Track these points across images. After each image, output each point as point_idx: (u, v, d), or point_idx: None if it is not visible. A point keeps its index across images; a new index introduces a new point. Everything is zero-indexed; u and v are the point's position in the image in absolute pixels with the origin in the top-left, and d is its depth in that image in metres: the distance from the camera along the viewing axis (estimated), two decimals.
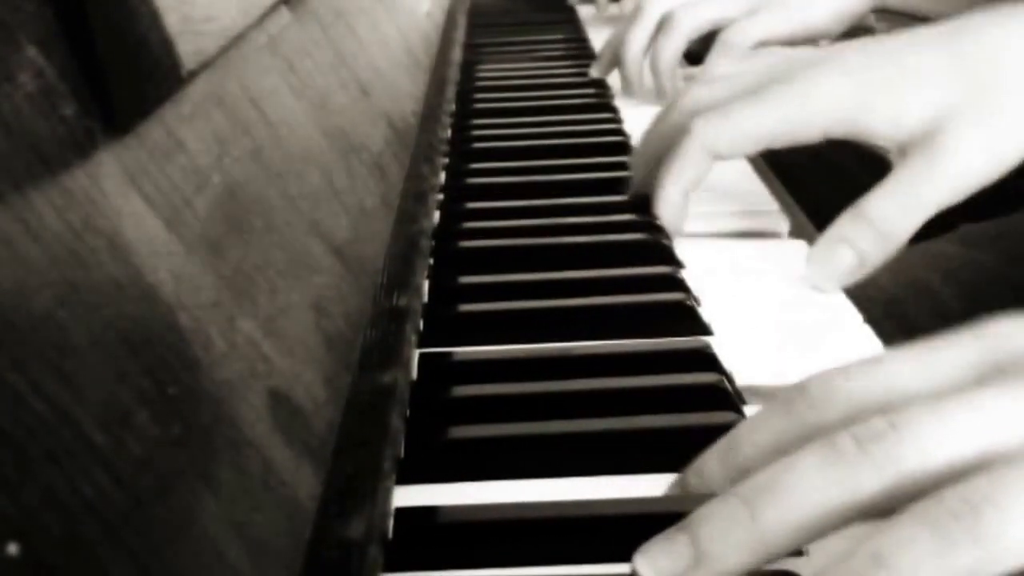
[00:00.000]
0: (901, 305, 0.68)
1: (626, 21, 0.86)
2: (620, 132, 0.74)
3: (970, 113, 0.46)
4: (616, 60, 0.87)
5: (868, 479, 0.28)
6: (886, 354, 0.33)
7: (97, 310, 0.23)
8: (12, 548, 0.18)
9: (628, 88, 0.86)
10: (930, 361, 0.31)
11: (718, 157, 0.51)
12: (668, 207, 0.53)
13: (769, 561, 0.28)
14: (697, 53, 0.85)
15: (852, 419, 0.29)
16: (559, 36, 1.06)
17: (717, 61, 0.72)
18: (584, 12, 1.22)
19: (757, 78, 0.51)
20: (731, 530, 0.28)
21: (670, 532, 0.29)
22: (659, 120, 0.57)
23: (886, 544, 0.26)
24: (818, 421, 0.31)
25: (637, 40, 0.84)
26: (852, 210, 0.48)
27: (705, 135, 0.51)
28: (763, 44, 0.79)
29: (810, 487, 0.28)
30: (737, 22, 0.80)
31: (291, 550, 0.26)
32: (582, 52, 1.00)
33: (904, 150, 0.47)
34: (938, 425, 0.28)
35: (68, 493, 0.20)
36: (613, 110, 0.80)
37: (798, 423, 0.31)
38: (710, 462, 0.33)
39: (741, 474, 0.30)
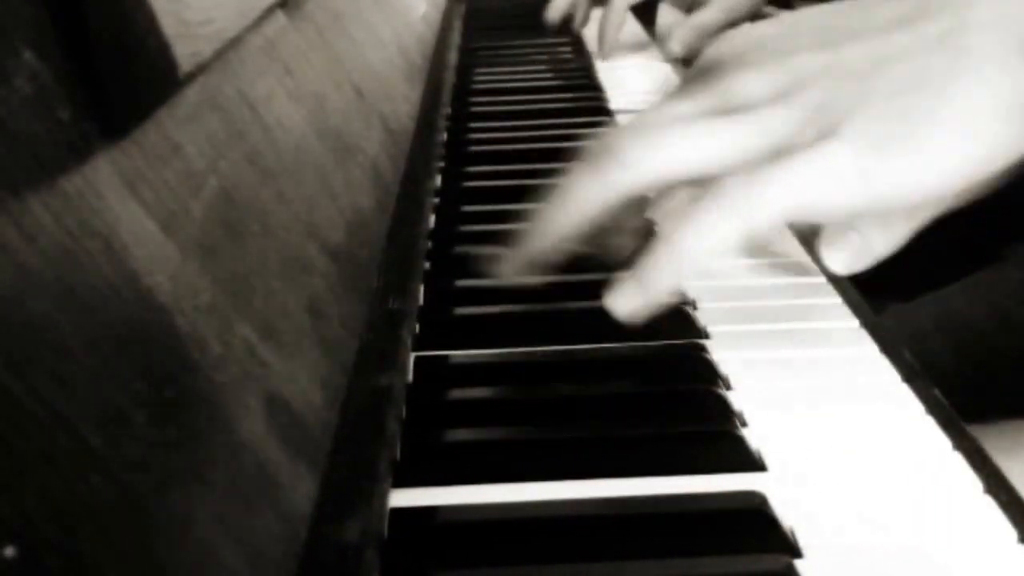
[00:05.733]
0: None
1: None
2: None
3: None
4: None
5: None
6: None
7: (93, 313, 0.23)
8: (9, 550, 0.18)
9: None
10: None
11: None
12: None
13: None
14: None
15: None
16: (554, 40, 1.06)
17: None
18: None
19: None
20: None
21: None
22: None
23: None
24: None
25: None
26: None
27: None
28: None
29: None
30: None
31: (287, 552, 0.26)
32: (578, 55, 1.00)
33: None
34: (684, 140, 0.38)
35: (64, 495, 0.20)
36: (608, 114, 0.80)
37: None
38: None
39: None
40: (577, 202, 0.40)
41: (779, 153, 0.36)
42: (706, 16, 0.97)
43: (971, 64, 0.35)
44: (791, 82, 0.38)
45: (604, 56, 0.99)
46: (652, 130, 0.39)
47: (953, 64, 0.35)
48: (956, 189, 0.36)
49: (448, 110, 0.82)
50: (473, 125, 0.78)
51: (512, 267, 0.43)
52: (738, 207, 0.36)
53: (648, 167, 0.38)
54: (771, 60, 0.39)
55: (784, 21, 0.42)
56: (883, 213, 0.39)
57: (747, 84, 0.39)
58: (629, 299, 0.39)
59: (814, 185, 0.35)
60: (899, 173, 0.35)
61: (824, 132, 0.36)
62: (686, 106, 0.40)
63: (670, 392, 0.40)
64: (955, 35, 0.36)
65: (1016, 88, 0.34)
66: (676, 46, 0.97)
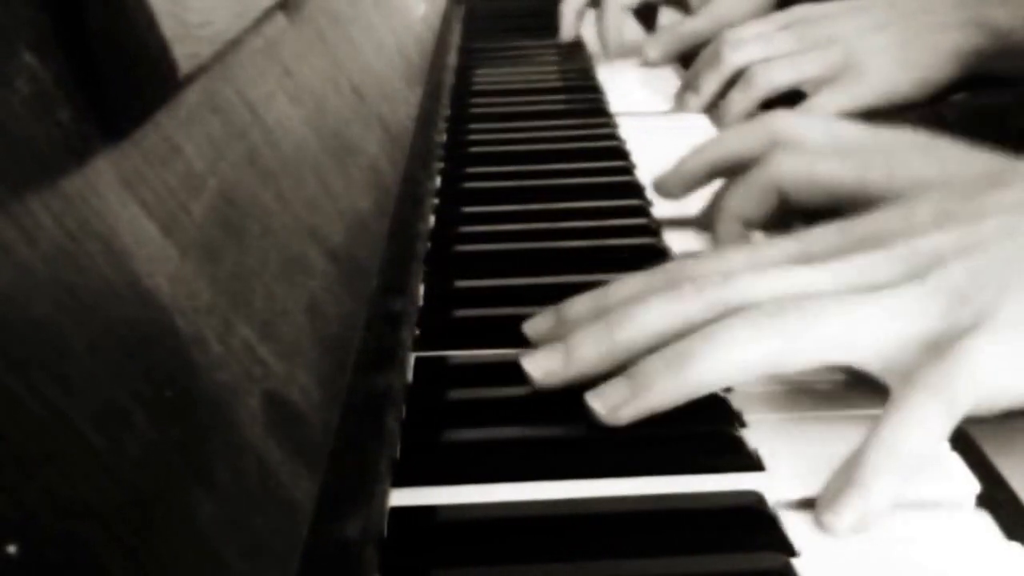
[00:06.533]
0: None
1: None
2: (615, 137, 0.74)
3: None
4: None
5: (697, 309, 0.38)
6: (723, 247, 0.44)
7: (94, 314, 0.23)
8: (11, 549, 0.18)
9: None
10: (756, 250, 0.42)
11: None
12: None
13: (616, 363, 0.38)
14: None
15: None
16: (554, 41, 1.06)
17: None
18: None
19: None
20: (595, 340, 0.39)
21: (552, 344, 0.40)
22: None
23: (711, 327, 0.37)
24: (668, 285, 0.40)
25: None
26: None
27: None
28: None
29: (654, 313, 0.38)
30: (821, 91, 0.75)
31: (288, 551, 0.26)
32: (577, 57, 1.00)
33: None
34: (756, 278, 0.38)
35: (66, 495, 0.20)
36: (608, 115, 0.80)
37: (653, 284, 0.40)
38: (583, 302, 0.42)
39: (604, 312, 0.40)
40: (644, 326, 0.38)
41: (941, 343, 0.34)
42: (694, 24, 0.96)
43: None
44: (924, 265, 0.37)
45: (611, 58, 0.98)
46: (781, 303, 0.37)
47: None
48: None
49: (448, 111, 0.82)
50: (473, 126, 0.78)
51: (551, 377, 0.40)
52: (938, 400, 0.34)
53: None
54: (896, 242, 0.38)
55: (903, 205, 0.40)
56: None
57: (875, 264, 0.38)
58: (612, 400, 0.37)
59: (994, 372, 0.34)
60: None
61: (978, 317, 0.35)
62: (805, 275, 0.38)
63: None
64: None
65: None
66: (654, 52, 0.95)
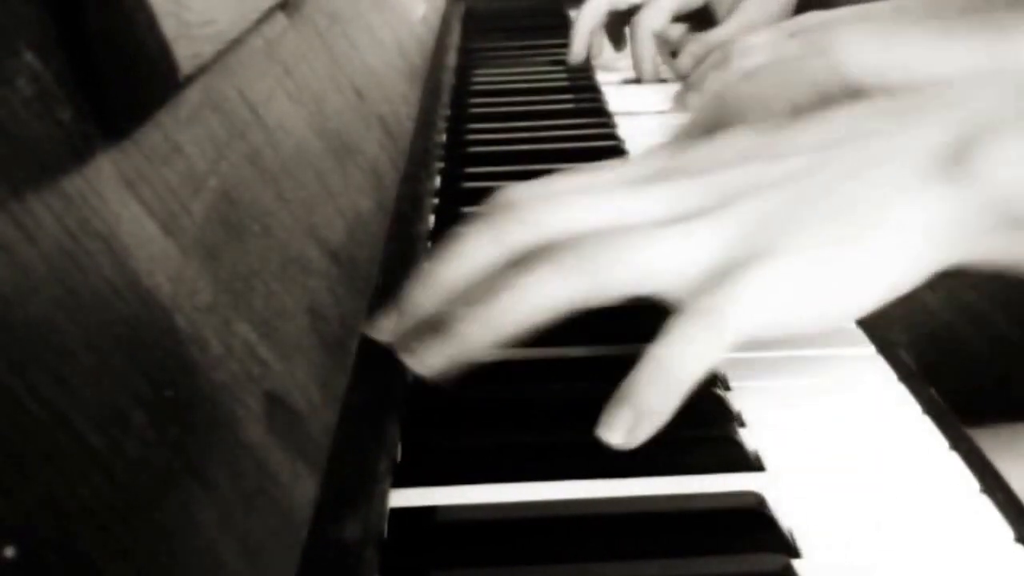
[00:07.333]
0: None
1: None
2: (614, 137, 0.74)
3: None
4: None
5: (516, 239, 0.39)
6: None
7: (94, 313, 0.23)
8: (9, 551, 0.18)
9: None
10: (592, 174, 0.43)
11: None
12: None
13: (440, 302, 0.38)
14: None
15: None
16: (553, 41, 1.06)
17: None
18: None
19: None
20: (422, 282, 0.39)
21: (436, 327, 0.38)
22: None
23: (519, 276, 0.37)
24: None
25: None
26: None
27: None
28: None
29: (474, 247, 0.39)
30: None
31: (287, 552, 0.26)
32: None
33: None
34: (569, 208, 0.40)
35: (65, 496, 0.20)
36: (607, 115, 0.80)
37: (486, 218, 0.40)
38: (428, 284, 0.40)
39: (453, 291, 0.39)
40: (468, 257, 0.39)
41: (722, 271, 0.36)
42: (722, 33, 0.95)
43: (898, 190, 0.36)
44: (726, 196, 0.38)
45: (646, 82, 0.96)
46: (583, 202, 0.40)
47: (869, 192, 0.37)
48: (866, 312, 0.37)
49: (447, 111, 0.82)
50: (472, 126, 0.78)
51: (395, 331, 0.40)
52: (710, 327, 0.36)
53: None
54: (706, 173, 0.40)
55: (719, 139, 0.42)
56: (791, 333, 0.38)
57: (685, 191, 0.40)
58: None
59: (765, 302, 0.36)
60: (830, 297, 0.36)
61: (761, 249, 0.36)
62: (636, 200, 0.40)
63: None
64: (876, 162, 0.37)
65: (934, 209, 0.36)
66: (687, 61, 0.95)
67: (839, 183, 0.37)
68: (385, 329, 0.39)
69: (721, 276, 0.36)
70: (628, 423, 0.35)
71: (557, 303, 0.37)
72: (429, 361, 0.38)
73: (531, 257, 0.38)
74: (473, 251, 0.39)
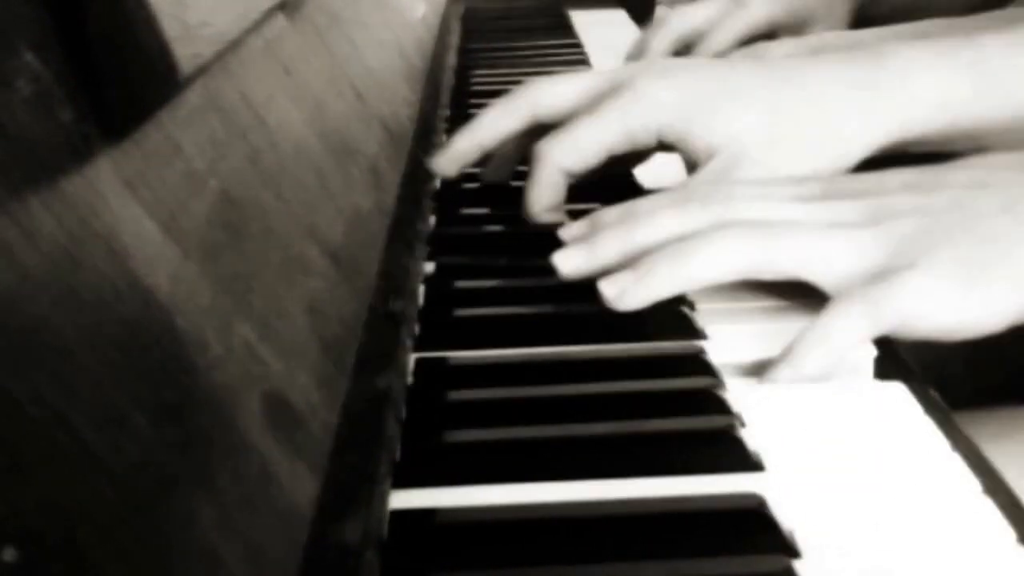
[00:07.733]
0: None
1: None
2: None
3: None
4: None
5: (700, 219, 0.46)
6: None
7: (94, 314, 0.23)
8: (9, 553, 0.18)
9: None
10: (764, 187, 0.49)
11: (569, 173, 0.55)
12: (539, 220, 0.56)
13: (628, 258, 0.45)
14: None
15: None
16: (553, 42, 1.06)
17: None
18: (577, 18, 1.22)
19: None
20: (615, 238, 0.46)
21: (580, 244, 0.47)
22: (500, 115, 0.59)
23: (708, 232, 0.45)
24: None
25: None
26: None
27: (552, 156, 0.54)
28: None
29: (666, 220, 0.46)
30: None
31: (288, 554, 0.26)
32: (576, 58, 1.00)
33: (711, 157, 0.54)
34: (750, 204, 0.47)
35: (65, 497, 0.20)
36: None
37: (669, 200, 0.48)
38: (612, 211, 0.49)
39: (627, 218, 0.48)
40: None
41: (880, 274, 0.42)
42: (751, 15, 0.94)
43: None
44: (888, 215, 0.44)
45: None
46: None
47: (1016, 227, 0.43)
48: (997, 330, 0.42)
49: (447, 112, 0.82)
50: None
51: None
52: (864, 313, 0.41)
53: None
54: (869, 196, 0.46)
55: (878, 173, 0.49)
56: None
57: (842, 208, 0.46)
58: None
59: (915, 304, 0.41)
60: (969, 309, 0.41)
61: (917, 261, 0.42)
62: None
63: (668, 392, 0.40)
64: (1016, 204, 0.43)
65: None
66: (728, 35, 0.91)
67: (991, 216, 0.43)
68: (575, 268, 0.47)
69: (878, 277, 0.42)
70: (787, 379, 0.41)
71: (734, 264, 0.44)
72: (625, 296, 0.44)
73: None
74: (665, 221, 0.46)
